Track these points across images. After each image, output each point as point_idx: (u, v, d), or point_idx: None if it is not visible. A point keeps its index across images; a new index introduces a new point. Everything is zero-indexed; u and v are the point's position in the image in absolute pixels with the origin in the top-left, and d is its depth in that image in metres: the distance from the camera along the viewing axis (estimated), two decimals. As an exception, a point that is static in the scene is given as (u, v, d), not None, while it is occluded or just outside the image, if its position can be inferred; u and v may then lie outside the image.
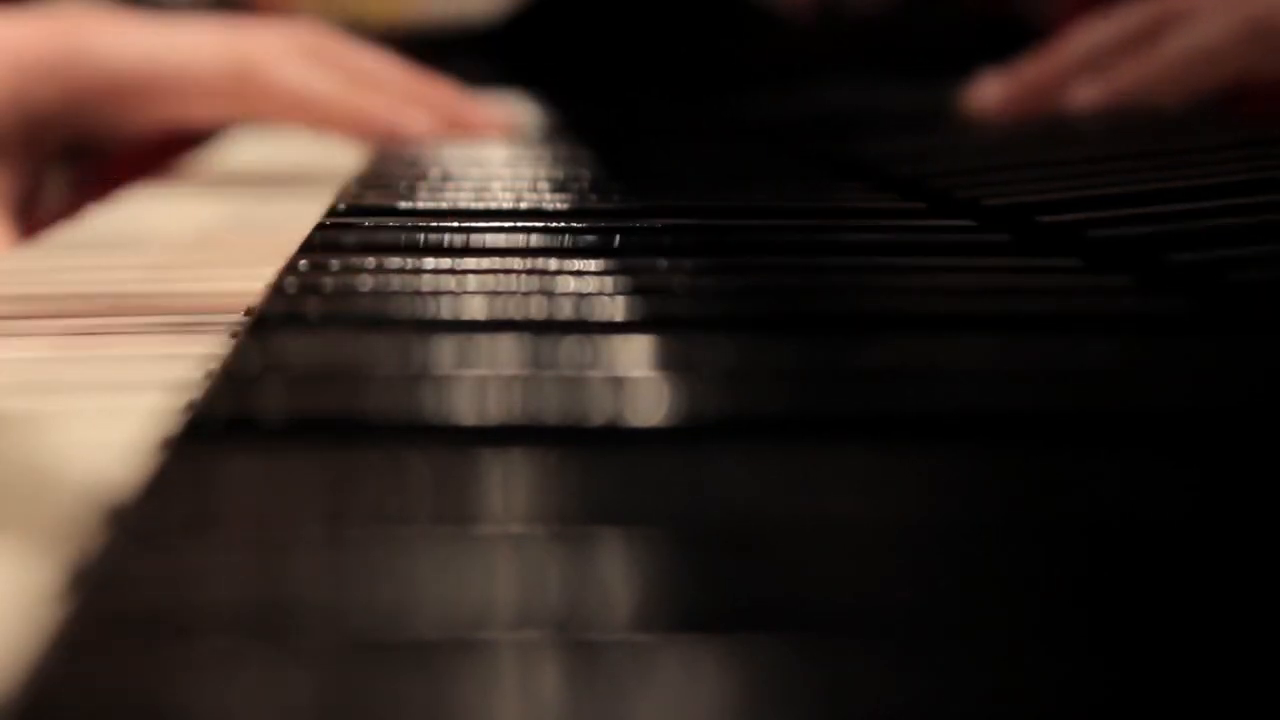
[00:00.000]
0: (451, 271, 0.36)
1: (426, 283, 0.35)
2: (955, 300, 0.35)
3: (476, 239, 0.41)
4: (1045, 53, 0.84)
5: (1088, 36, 0.83)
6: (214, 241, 0.51)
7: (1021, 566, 0.19)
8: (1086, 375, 0.28)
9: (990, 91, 0.85)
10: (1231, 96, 0.81)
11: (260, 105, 0.72)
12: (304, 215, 0.46)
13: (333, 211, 0.48)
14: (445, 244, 0.41)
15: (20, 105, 0.68)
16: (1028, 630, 0.17)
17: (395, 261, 0.37)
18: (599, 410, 0.25)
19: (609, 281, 0.34)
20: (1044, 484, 0.22)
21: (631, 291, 0.34)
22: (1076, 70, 0.82)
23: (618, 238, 0.41)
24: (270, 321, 0.31)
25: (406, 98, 0.77)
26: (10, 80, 0.67)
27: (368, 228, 0.45)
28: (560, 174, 0.62)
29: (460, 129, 0.78)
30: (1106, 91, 0.80)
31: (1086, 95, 0.80)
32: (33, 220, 0.63)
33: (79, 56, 0.68)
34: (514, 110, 0.80)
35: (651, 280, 0.35)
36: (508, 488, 0.22)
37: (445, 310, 0.32)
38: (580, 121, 0.90)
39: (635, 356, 0.28)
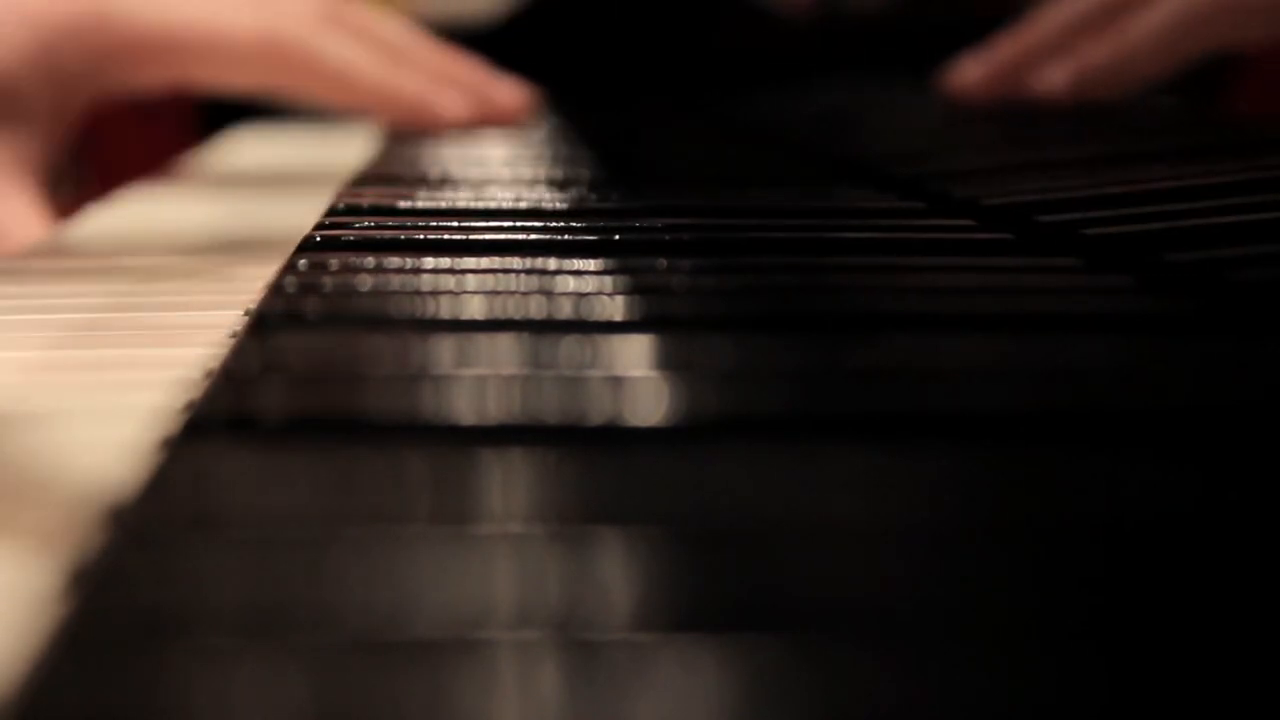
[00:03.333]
0: (451, 271, 0.36)
1: (426, 282, 0.35)
2: (955, 300, 0.35)
3: (476, 238, 0.41)
4: (1016, 33, 0.85)
5: (1056, 15, 0.84)
6: (214, 240, 0.51)
7: (1021, 567, 0.19)
8: (1086, 375, 0.28)
9: (968, 74, 0.86)
10: (1227, 80, 0.81)
11: (294, 77, 0.70)
12: (304, 215, 0.46)
13: (332, 211, 0.48)
14: (445, 243, 0.41)
15: (48, 66, 0.66)
16: (1028, 631, 0.17)
17: (395, 261, 0.37)
18: (598, 410, 0.25)
19: (609, 281, 0.34)
20: (1043, 484, 0.22)
21: (631, 291, 0.34)
22: (1045, 49, 0.82)
23: (618, 238, 0.41)
24: (269, 321, 0.31)
25: (439, 76, 0.75)
26: (37, 40, 0.66)
27: (367, 227, 0.45)
28: (560, 174, 0.62)
29: (489, 112, 0.76)
30: (1073, 74, 0.80)
31: (1053, 79, 0.80)
32: (57, 196, 0.63)
33: (107, 18, 0.67)
34: (528, 93, 0.78)
35: (651, 280, 0.35)
36: (507, 487, 0.22)
37: (445, 310, 0.32)
38: (580, 121, 0.90)
39: (635, 356, 0.28)
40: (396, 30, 0.76)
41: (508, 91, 0.78)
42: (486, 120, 0.76)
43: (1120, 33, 0.80)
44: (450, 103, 0.73)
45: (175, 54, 0.68)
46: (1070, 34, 0.82)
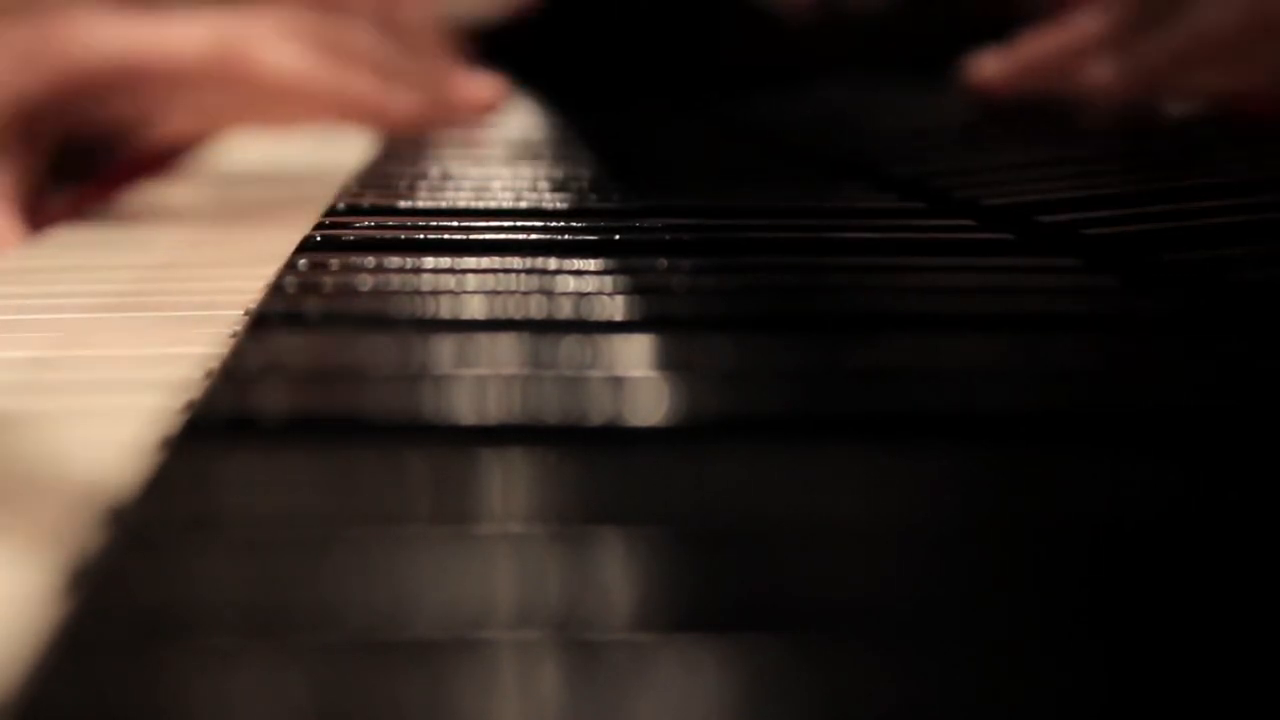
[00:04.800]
0: (451, 271, 0.36)
1: (426, 282, 0.35)
2: (955, 300, 0.35)
3: (476, 238, 0.41)
4: (1048, 33, 0.84)
5: (1093, 20, 0.83)
6: (214, 240, 0.51)
7: (1020, 566, 0.19)
8: (1085, 375, 0.28)
9: (991, 67, 0.85)
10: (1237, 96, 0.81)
11: (245, 89, 0.71)
12: (303, 215, 0.46)
13: (332, 211, 0.48)
14: (445, 243, 0.41)
15: (10, 99, 0.67)
16: (1026, 630, 0.17)
17: (395, 260, 0.37)
18: (599, 410, 0.25)
19: (609, 281, 0.34)
20: (1043, 484, 0.22)
21: (631, 291, 0.34)
22: (1079, 52, 0.82)
23: (618, 238, 0.41)
24: (269, 321, 0.31)
25: (395, 76, 0.75)
26: None
27: (367, 227, 0.45)
28: (560, 174, 0.62)
29: (447, 106, 0.77)
30: (1124, 70, 0.79)
31: (1102, 73, 0.79)
32: (37, 218, 0.63)
33: (63, 48, 0.67)
34: (500, 86, 0.78)
35: (651, 280, 0.35)
36: (507, 487, 0.22)
37: (445, 310, 0.32)
38: (580, 121, 0.90)
39: (635, 356, 0.28)
40: (362, 36, 0.76)
41: (472, 85, 0.79)
42: (446, 115, 0.76)
43: (1165, 39, 0.79)
44: (401, 102, 0.73)
45: (130, 81, 0.69)
46: (1119, 34, 0.81)
